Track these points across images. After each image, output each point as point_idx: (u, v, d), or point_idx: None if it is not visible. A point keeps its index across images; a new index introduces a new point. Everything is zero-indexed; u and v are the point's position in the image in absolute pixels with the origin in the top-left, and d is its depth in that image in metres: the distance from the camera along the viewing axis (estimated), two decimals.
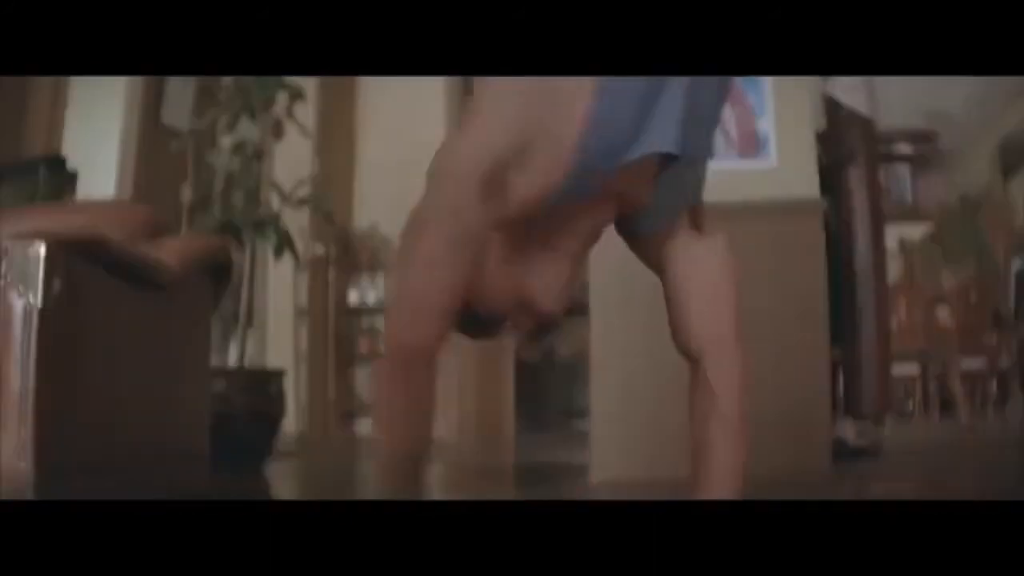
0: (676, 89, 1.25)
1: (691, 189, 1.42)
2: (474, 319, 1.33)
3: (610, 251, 3.10)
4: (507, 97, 1.24)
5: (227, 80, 4.01)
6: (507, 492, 2.94)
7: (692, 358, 1.43)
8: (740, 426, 1.40)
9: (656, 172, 1.30)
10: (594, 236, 1.37)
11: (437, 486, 3.39)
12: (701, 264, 1.41)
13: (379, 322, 6.17)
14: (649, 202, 1.34)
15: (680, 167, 1.31)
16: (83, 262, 1.98)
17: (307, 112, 4.67)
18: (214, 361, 3.50)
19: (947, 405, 5.54)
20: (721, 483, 1.38)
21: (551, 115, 1.21)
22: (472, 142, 1.25)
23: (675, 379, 2.91)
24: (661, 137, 1.25)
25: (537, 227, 1.30)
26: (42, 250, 1.87)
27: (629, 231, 1.44)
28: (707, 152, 1.41)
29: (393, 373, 1.29)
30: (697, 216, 1.43)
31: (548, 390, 7.84)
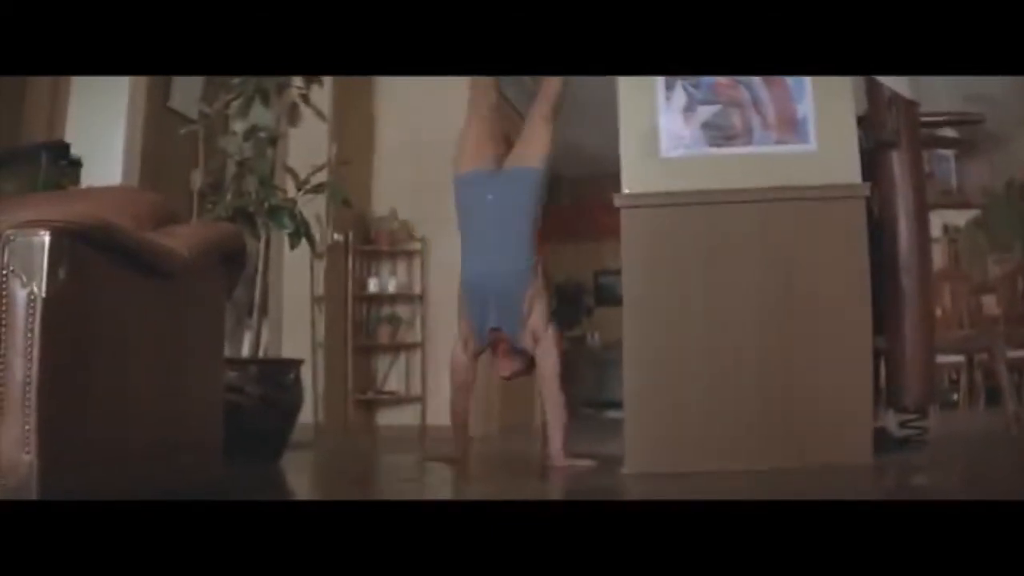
0: (489, 306, 3.43)
1: (522, 332, 3.45)
2: None
3: (642, 243, 2.98)
4: None
5: None
6: (536, 483, 2.86)
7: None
8: (557, 403, 3.40)
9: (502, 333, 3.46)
10: (506, 349, 3.54)
11: (465, 477, 3.31)
12: (539, 350, 3.41)
13: (399, 310, 6.09)
14: (513, 337, 3.43)
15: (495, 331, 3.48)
16: (89, 250, 1.91)
17: (323, 96, 4.55)
18: (228, 351, 3.40)
19: (993, 396, 5.39)
20: (553, 440, 3.38)
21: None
22: None
23: (707, 370, 2.83)
24: (492, 323, 3.43)
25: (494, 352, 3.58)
26: (46, 238, 1.80)
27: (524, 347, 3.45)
28: (515, 324, 3.43)
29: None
30: (535, 338, 3.39)
31: (579, 380, 7.74)
